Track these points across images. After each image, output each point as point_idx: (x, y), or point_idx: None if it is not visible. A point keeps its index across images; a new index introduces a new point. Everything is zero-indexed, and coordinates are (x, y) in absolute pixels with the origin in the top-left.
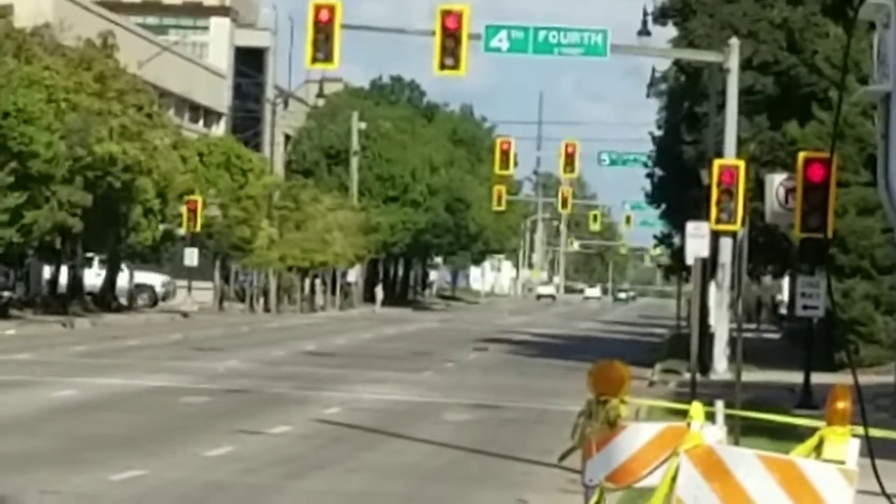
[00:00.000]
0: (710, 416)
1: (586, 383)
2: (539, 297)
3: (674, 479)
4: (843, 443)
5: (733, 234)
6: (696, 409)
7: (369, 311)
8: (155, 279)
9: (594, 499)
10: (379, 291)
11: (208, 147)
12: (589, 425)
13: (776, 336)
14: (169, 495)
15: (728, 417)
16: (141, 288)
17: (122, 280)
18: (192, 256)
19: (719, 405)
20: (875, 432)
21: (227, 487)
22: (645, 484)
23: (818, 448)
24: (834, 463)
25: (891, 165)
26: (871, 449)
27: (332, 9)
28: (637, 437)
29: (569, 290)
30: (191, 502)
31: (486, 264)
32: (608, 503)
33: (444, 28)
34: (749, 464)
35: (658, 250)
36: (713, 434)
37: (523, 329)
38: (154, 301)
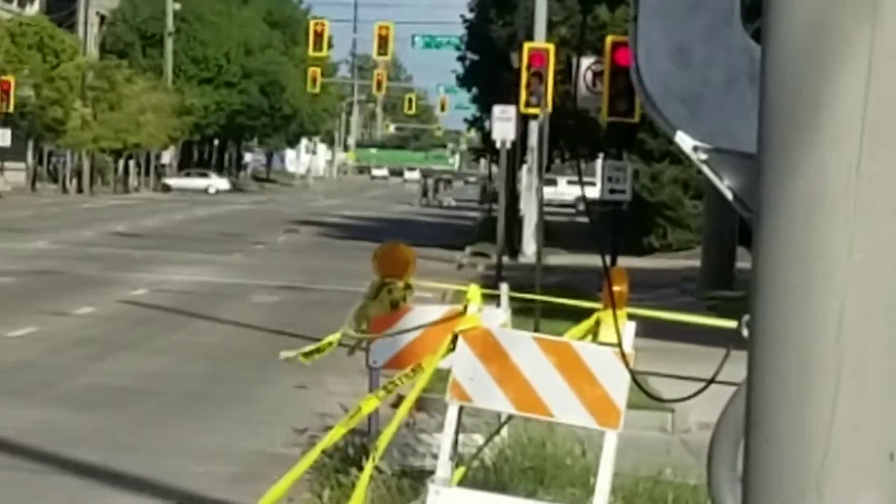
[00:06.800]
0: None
1: (371, 266)
2: (373, 178)
3: (444, 355)
4: (619, 325)
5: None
6: (474, 291)
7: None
8: None
9: (380, 392)
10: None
11: (21, 27)
12: (372, 307)
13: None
14: None
15: (528, 301)
16: None
17: None
18: (4, 137)
19: (504, 288)
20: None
21: (27, 367)
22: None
23: (595, 330)
24: (609, 345)
25: (638, 49)
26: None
27: None
28: (421, 319)
29: (391, 172)
30: None
31: (302, 146)
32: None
33: None
34: (525, 346)
35: (471, 133)
36: (497, 317)
37: (337, 212)
38: None
